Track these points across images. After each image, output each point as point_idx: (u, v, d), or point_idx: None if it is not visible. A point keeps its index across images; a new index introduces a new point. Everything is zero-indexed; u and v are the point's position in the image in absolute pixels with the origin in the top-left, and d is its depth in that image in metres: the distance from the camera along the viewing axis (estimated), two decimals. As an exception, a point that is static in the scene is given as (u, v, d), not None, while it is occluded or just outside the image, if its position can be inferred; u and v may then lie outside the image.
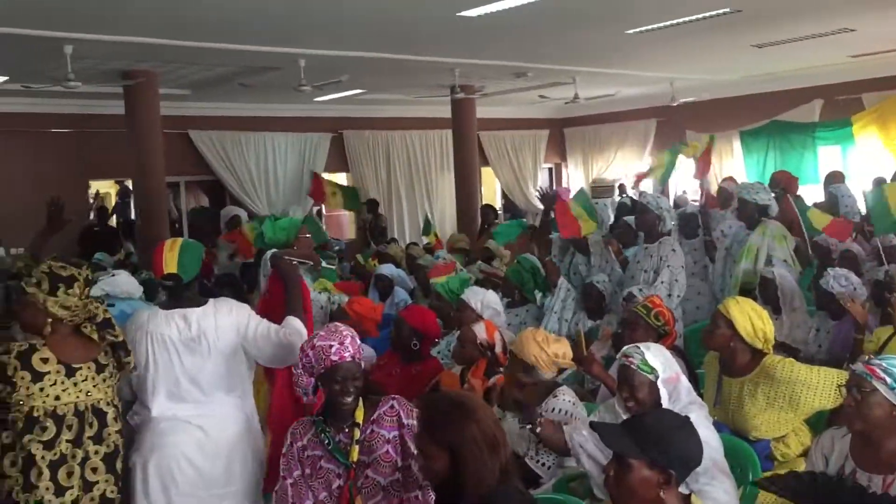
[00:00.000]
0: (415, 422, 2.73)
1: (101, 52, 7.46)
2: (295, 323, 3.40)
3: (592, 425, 2.51)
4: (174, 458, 3.20)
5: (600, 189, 14.88)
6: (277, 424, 3.44)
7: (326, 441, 2.90)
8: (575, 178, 15.86)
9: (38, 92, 8.73)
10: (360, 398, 2.91)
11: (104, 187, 13.14)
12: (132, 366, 3.13)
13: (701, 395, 3.45)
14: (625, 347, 3.20)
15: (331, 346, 2.86)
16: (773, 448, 3.51)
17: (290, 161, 12.50)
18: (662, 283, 5.30)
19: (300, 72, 8.25)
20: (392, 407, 2.92)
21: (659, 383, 2.97)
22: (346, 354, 2.87)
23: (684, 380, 3.04)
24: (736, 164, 12.92)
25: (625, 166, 14.99)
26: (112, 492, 3.06)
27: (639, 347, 3.12)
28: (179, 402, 3.25)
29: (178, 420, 3.24)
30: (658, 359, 3.02)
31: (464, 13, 6.73)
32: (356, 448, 2.86)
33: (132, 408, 3.35)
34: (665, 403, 2.97)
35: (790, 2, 7.12)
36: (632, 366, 3.04)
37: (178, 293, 3.39)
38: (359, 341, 2.99)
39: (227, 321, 3.31)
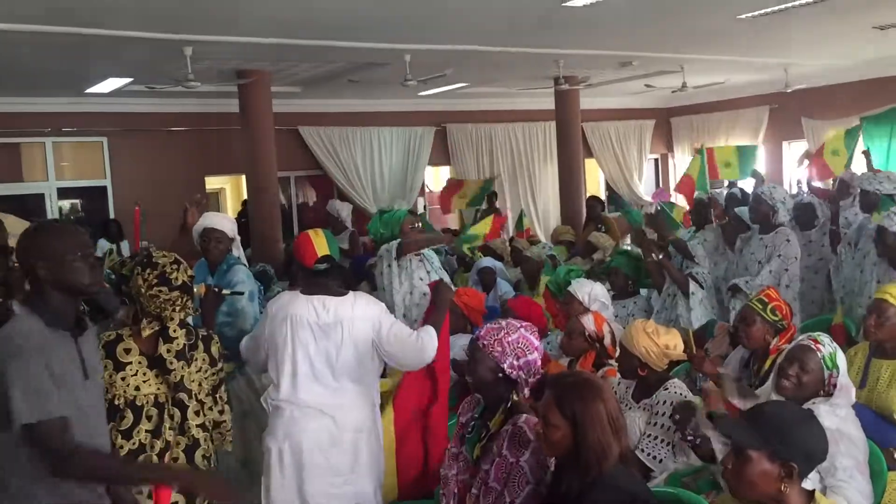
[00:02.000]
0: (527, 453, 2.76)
1: (218, 52, 7.79)
2: (430, 331, 3.52)
3: (710, 416, 2.48)
4: (307, 447, 3.35)
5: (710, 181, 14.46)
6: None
7: (471, 428, 2.99)
8: (682, 169, 15.46)
9: (159, 92, 9.17)
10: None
11: (219, 183, 13.71)
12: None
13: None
14: (813, 334, 3.16)
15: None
16: None
17: (395, 155, 12.70)
18: (771, 272, 5.15)
19: (406, 67, 8.37)
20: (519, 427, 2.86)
21: (838, 380, 2.94)
22: None
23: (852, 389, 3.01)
24: (857, 152, 12.32)
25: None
26: None
27: (831, 343, 3.09)
28: (312, 383, 3.39)
29: (310, 407, 3.39)
30: (843, 362, 3.00)
31: (569, 3, 6.68)
32: (479, 448, 2.92)
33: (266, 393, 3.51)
34: (825, 402, 2.93)
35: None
36: (818, 352, 3.04)
37: (328, 278, 3.48)
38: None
39: (364, 313, 3.45)
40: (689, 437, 3.06)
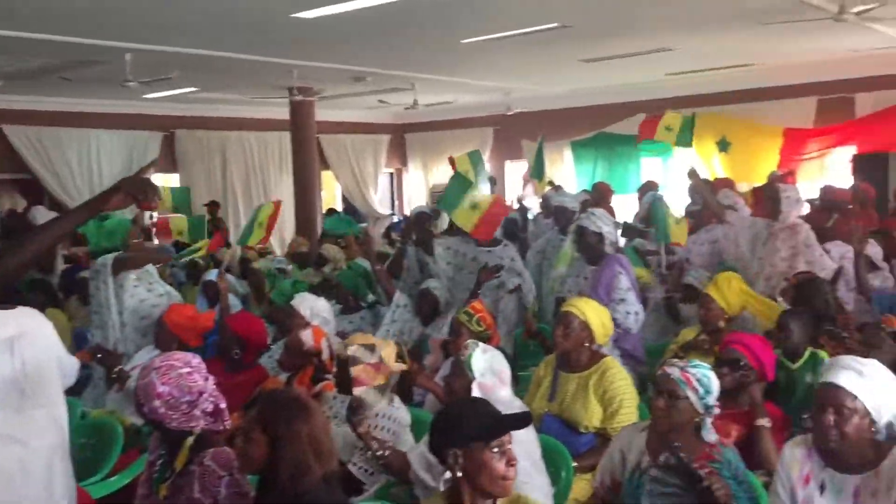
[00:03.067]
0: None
1: None
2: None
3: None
4: None
5: (439, 194, 15.08)
6: None
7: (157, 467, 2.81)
8: (415, 184, 16.02)
9: None
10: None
11: None
12: None
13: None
14: (469, 342, 3.28)
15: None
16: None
17: (116, 160, 11.86)
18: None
19: (126, 67, 7.86)
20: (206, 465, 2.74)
21: (474, 385, 3.05)
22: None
23: (503, 390, 3.12)
24: (567, 173, 13.47)
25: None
26: None
27: (475, 345, 3.20)
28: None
29: None
30: (482, 363, 3.10)
31: (298, 14, 6.63)
32: (164, 487, 2.76)
33: None
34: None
35: (614, 21, 7.50)
36: (461, 358, 3.15)
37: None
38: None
39: (43, 326, 3.09)
40: (378, 453, 3.11)
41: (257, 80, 10.08)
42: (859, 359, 2.54)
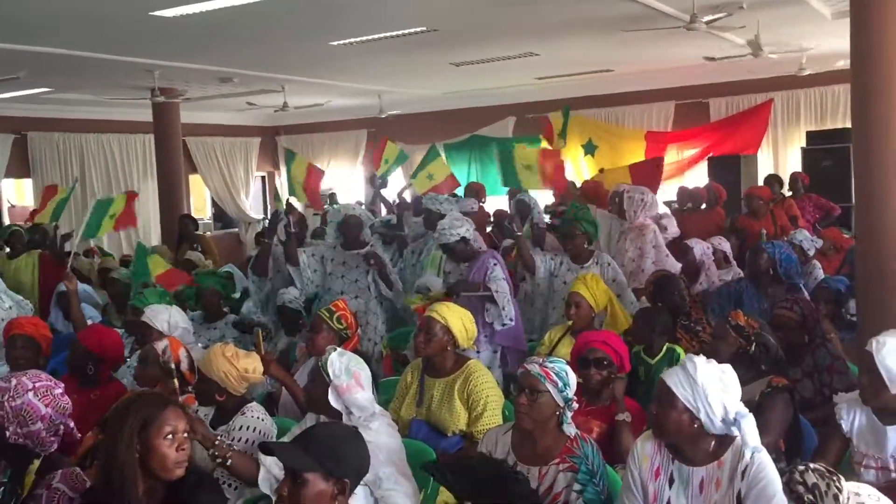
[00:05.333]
0: None
1: None
2: None
3: (262, 446, 2.47)
4: None
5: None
6: None
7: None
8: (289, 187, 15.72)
9: None
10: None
11: None
12: None
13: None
14: (328, 347, 3.23)
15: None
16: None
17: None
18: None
19: (-32, 65, 7.35)
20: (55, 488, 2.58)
21: (329, 388, 3.00)
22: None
23: (362, 392, 3.08)
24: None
25: (338, 175, 15.16)
26: None
27: (332, 349, 3.15)
28: None
29: None
30: (338, 365, 3.04)
31: (157, 13, 6.38)
32: None
33: None
34: (341, 409, 3.01)
35: (481, 25, 7.61)
36: (319, 362, 3.10)
37: None
38: None
39: None
40: (218, 460, 3.03)
41: (116, 80, 9.64)
42: (696, 358, 2.64)
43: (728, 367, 2.65)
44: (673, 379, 2.60)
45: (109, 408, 3.92)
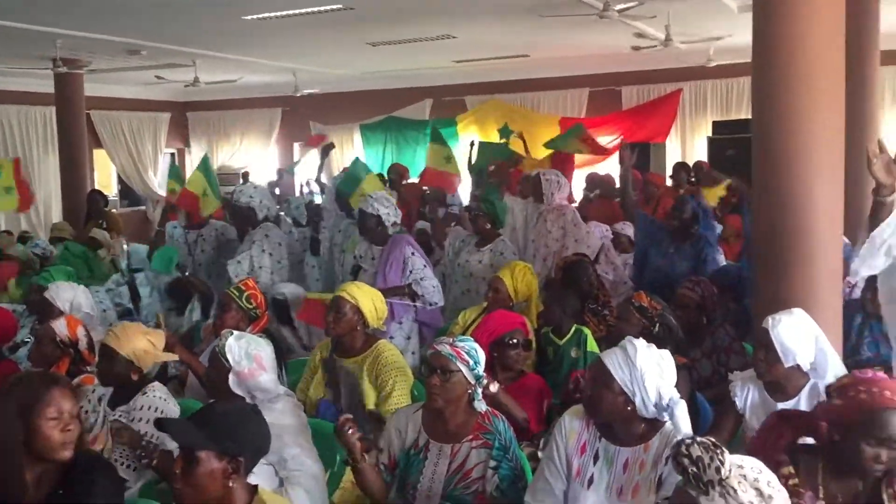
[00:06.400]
0: None
1: None
2: None
3: (157, 423, 2.40)
4: None
5: (226, 176, 14.58)
6: None
7: None
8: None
9: None
10: None
11: None
12: None
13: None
14: (224, 331, 3.16)
15: None
16: None
17: None
18: (262, 268, 5.39)
19: None
20: None
21: (230, 375, 2.95)
22: None
23: (265, 375, 3.04)
24: (356, 155, 13.44)
25: (250, 153, 14.87)
26: None
27: (229, 333, 3.10)
28: None
29: None
30: (237, 350, 3.00)
31: (60, -22, 6.11)
32: None
33: None
34: (243, 394, 2.96)
35: (397, 5, 7.54)
36: (216, 347, 3.05)
37: None
38: None
39: None
40: (144, 460, 2.95)
41: (15, 48, 9.18)
42: (635, 341, 2.67)
43: (666, 353, 2.67)
44: (612, 360, 2.61)
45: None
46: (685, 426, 2.60)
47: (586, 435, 2.71)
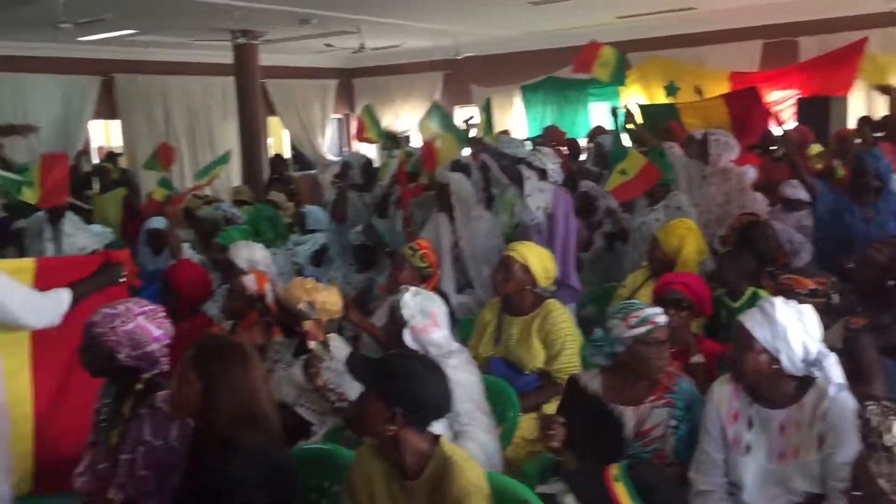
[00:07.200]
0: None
1: None
2: (60, 293, 3.17)
3: (350, 357, 2.52)
4: None
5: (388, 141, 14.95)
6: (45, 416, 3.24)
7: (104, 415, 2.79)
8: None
9: None
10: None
11: None
12: None
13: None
14: (400, 287, 3.27)
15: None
16: None
17: (53, 106, 11.44)
18: None
19: (58, 7, 7.53)
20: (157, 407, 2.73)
21: (405, 330, 3.05)
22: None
23: (438, 332, 3.12)
24: (517, 118, 13.42)
25: (413, 117, 15.14)
26: None
27: (405, 289, 3.19)
28: None
29: None
30: (412, 306, 3.08)
31: (238, -47, 6.42)
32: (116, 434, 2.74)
33: None
34: (418, 349, 3.06)
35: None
36: (393, 304, 3.13)
37: None
38: None
39: None
40: (336, 405, 3.12)
41: (197, 22, 9.77)
42: (774, 299, 2.60)
43: (808, 308, 2.59)
44: (751, 320, 2.56)
45: (195, 340, 4.11)
46: (837, 377, 2.50)
47: (737, 402, 2.65)
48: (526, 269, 3.71)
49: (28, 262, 3.37)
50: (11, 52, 10.83)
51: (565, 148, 8.61)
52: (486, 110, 7.86)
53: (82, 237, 6.32)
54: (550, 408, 3.53)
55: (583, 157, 8.84)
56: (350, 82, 15.85)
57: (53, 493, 3.26)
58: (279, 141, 15.17)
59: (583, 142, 9.80)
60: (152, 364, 2.78)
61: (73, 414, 3.37)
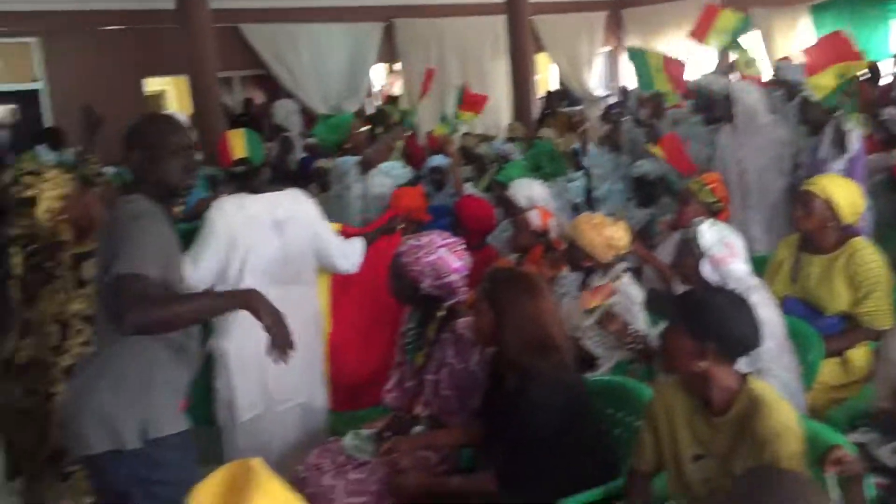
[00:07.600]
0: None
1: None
2: (357, 241, 3.58)
3: (649, 294, 2.52)
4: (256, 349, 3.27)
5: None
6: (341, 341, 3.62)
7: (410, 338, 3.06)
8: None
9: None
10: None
11: (160, 85, 13.20)
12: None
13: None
14: (694, 220, 3.18)
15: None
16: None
17: (342, 52, 12.30)
18: None
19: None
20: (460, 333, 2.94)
21: (703, 261, 2.94)
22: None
23: (738, 263, 2.98)
24: (805, 41, 12.29)
25: (688, 50, 14.40)
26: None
27: (699, 221, 3.08)
28: (267, 283, 2.98)
29: None
30: (710, 236, 2.96)
31: None
32: (421, 355, 2.98)
33: None
34: (717, 280, 2.94)
35: None
36: (686, 235, 3.05)
37: (249, 179, 3.37)
38: None
39: (308, 210, 3.39)
40: (632, 346, 3.13)
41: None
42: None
43: None
44: None
45: (483, 271, 4.30)
46: None
47: None
48: (828, 206, 3.43)
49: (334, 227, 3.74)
50: (306, 4, 11.74)
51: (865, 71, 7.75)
52: (637, 60, 6.49)
53: (381, 177, 6.80)
54: (858, 354, 3.30)
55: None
56: (619, 13, 15.38)
57: (345, 410, 3.64)
58: (546, 77, 15.15)
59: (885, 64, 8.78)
60: (451, 293, 2.97)
61: (361, 345, 3.73)
